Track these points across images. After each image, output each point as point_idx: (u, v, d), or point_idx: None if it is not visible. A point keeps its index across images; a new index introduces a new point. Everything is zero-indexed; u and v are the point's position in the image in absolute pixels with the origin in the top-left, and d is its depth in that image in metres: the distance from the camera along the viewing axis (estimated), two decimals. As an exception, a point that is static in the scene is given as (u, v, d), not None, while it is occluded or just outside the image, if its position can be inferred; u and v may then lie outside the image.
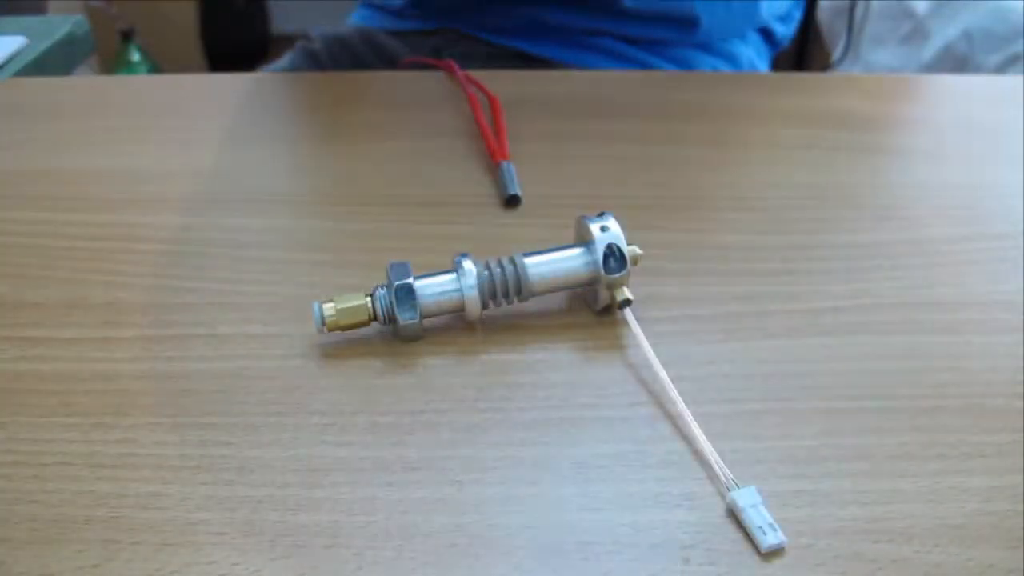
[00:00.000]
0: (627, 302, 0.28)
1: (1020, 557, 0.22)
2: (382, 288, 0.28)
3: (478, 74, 0.45)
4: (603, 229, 0.28)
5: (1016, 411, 0.26)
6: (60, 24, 0.56)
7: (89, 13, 1.49)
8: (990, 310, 0.30)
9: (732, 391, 0.27)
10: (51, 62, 0.53)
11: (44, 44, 0.53)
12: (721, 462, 0.24)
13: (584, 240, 0.29)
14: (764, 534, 0.22)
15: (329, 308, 0.27)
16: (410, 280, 0.27)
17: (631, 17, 0.59)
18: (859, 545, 0.22)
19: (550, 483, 0.24)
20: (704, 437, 0.24)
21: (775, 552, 0.22)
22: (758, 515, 0.22)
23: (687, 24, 0.59)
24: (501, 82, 0.44)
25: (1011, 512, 0.23)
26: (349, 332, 0.28)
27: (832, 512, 0.23)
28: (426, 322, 0.28)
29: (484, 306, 0.28)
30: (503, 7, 0.58)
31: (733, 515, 0.23)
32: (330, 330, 0.27)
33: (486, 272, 0.28)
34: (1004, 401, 0.26)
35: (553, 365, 0.28)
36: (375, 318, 0.28)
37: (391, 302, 0.27)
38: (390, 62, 0.62)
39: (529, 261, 0.28)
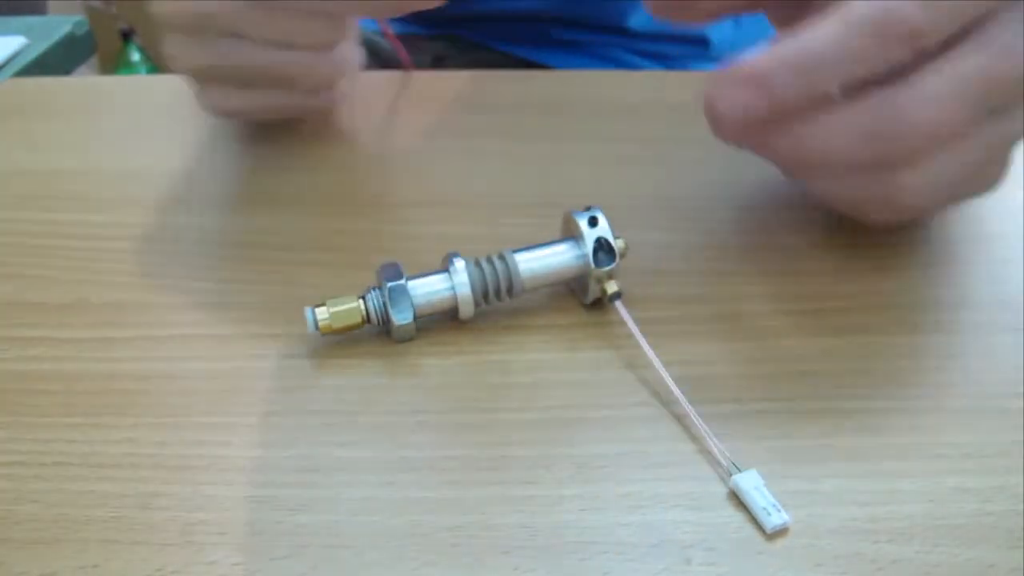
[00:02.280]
0: (617, 294, 0.28)
1: (1020, 557, 0.22)
2: (374, 290, 0.28)
3: (481, 75, 0.45)
4: (592, 223, 0.28)
5: (1016, 411, 0.26)
6: (60, 24, 0.56)
7: (89, 13, 1.49)
8: (990, 310, 0.30)
9: (732, 391, 0.27)
10: (51, 62, 0.54)
11: (44, 44, 0.53)
12: (721, 447, 0.24)
13: (572, 235, 0.29)
14: (768, 515, 0.22)
15: (322, 312, 0.27)
16: (402, 281, 0.27)
17: (639, 36, 0.59)
18: (859, 545, 0.22)
19: (550, 483, 0.24)
20: (705, 429, 0.25)
21: (775, 551, 0.22)
22: (761, 497, 0.23)
23: (697, 43, 0.59)
24: (502, 82, 0.45)
25: (1011, 512, 0.23)
26: (349, 333, 0.28)
27: (832, 512, 0.23)
28: (420, 323, 0.28)
29: (477, 304, 0.28)
30: (506, 23, 0.58)
31: (734, 514, 0.23)
32: (324, 334, 0.27)
33: (477, 269, 0.28)
34: (1004, 401, 0.26)
35: (553, 365, 0.28)
36: (368, 320, 0.28)
37: (384, 303, 0.27)
38: (385, 65, 0.61)
39: (520, 257, 0.28)
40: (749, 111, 0.26)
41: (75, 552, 0.22)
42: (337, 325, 0.27)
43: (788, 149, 0.27)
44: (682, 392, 0.25)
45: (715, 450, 0.24)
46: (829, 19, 0.26)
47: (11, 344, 0.28)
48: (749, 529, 0.23)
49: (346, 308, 0.27)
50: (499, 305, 0.29)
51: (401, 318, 0.27)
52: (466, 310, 0.28)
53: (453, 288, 0.28)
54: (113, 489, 0.23)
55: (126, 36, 1.56)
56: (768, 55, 0.26)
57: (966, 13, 0.26)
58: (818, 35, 0.26)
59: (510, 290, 0.28)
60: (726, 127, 0.27)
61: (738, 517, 0.23)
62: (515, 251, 0.29)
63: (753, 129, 0.27)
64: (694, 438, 0.25)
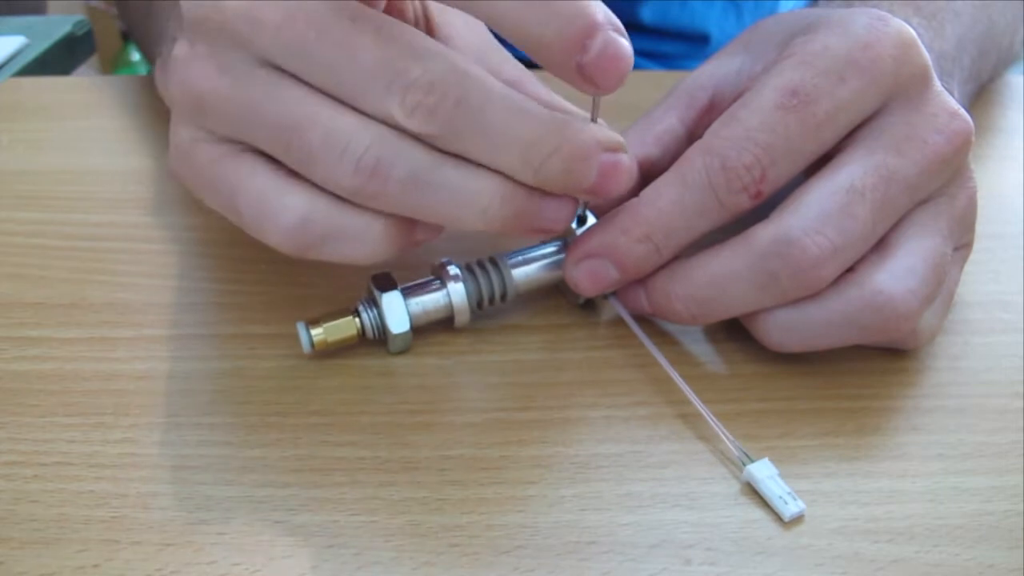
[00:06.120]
0: (613, 292, 0.28)
1: (1020, 557, 0.22)
2: (368, 302, 0.27)
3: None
4: (581, 222, 0.28)
5: (1016, 411, 0.26)
6: (60, 24, 0.56)
7: (89, 13, 1.49)
8: (990, 310, 0.30)
9: (732, 391, 0.27)
10: (51, 62, 0.53)
11: (44, 44, 0.53)
12: (732, 437, 0.24)
13: (564, 236, 0.29)
14: (785, 504, 0.22)
15: (316, 329, 0.27)
16: (396, 292, 0.27)
17: (644, 31, 0.58)
18: (859, 545, 0.22)
19: (550, 483, 0.24)
20: (714, 420, 0.25)
21: (775, 551, 0.22)
22: (776, 485, 0.23)
23: (698, 40, 0.59)
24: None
25: (1011, 512, 0.23)
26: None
27: (832, 512, 0.23)
28: (416, 327, 0.28)
29: (472, 311, 0.28)
30: None
31: (734, 514, 0.23)
32: (318, 350, 0.27)
33: (472, 277, 0.28)
34: (1004, 401, 0.26)
35: (552, 365, 0.28)
36: (363, 334, 0.27)
37: (379, 316, 0.27)
38: None
39: (512, 262, 0.28)
40: (606, 283, 0.27)
41: (75, 552, 0.22)
42: (332, 339, 0.27)
43: (683, 296, 0.26)
44: (683, 392, 0.25)
45: (726, 440, 0.24)
46: (667, 176, 0.26)
47: (11, 344, 0.28)
48: (749, 529, 0.23)
49: (340, 323, 0.27)
50: (493, 309, 0.29)
51: (397, 330, 0.27)
52: (462, 318, 0.28)
53: (448, 296, 0.27)
54: (113, 489, 0.23)
55: (126, 36, 1.56)
56: (608, 224, 0.26)
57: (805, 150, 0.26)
58: (660, 194, 0.25)
59: (504, 296, 0.28)
60: (594, 294, 0.27)
61: (738, 517, 0.23)
62: (508, 255, 0.28)
63: (633, 288, 0.27)
64: (694, 438, 0.25)
